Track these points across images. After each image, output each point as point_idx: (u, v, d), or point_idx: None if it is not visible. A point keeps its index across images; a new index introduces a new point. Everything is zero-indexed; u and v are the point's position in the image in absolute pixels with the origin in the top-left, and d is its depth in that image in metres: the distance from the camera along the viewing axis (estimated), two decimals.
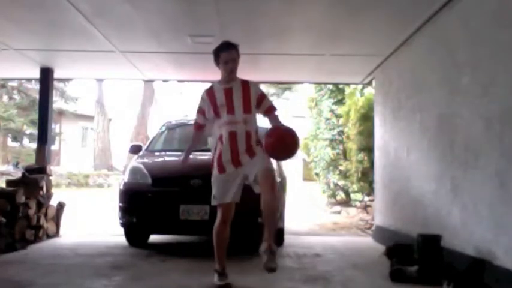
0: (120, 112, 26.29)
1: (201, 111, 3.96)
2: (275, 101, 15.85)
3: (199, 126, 4.03)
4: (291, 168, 13.56)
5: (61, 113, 22.18)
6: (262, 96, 3.93)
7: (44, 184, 6.16)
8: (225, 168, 3.74)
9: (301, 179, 17.32)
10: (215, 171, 3.81)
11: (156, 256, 5.11)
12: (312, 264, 4.81)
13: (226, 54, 3.86)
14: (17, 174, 10.92)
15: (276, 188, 3.71)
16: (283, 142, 3.70)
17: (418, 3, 4.48)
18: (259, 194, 3.62)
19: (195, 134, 4.10)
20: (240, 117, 3.78)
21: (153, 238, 5.99)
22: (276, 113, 3.95)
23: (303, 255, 5.26)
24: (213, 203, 3.84)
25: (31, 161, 12.36)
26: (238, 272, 4.07)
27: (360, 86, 9.50)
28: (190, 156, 5.91)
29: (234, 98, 3.83)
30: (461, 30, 4.21)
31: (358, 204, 10.26)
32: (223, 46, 3.90)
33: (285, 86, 18.76)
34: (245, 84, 3.93)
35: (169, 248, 5.84)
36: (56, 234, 6.42)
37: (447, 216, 4.37)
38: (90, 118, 23.51)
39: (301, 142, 11.83)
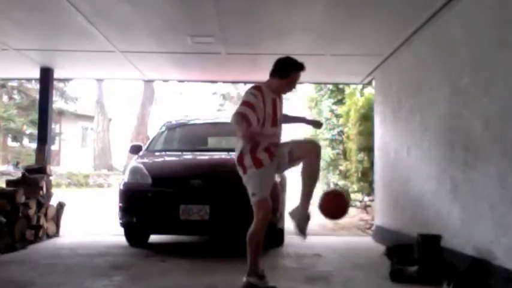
0: (120, 112, 26.30)
1: (252, 106, 3.49)
2: None
3: (247, 117, 3.45)
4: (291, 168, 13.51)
5: (61, 113, 22.18)
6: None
7: (44, 184, 6.16)
8: (263, 163, 3.57)
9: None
10: (252, 168, 3.57)
11: (156, 256, 5.11)
12: (312, 264, 4.81)
13: (298, 75, 3.69)
14: (17, 174, 10.91)
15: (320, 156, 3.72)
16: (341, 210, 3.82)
17: (418, 3, 4.48)
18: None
19: (243, 121, 3.42)
20: (279, 130, 3.76)
21: (153, 238, 5.99)
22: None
23: (303, 255, 5.26)
24: (254, 200, 3.58)
25: (31, 161, 12.39)
26: (238, 272, 4.07)
27: (360, 86, 9.50)
28: (190, 157, 5.98)
29: (278, 110, 3.72)
30: (461, 30, 4.21)
31: (358, 204, 10.26)
32: (300, 66, 3.67)
33: None
34: (281, 97, 3.84)
35: (169, 248, 5.84)
36: (56, 234, 6.42)
37: (447, 216, 4.37)
38: (90, 118, 23.52)
39: None
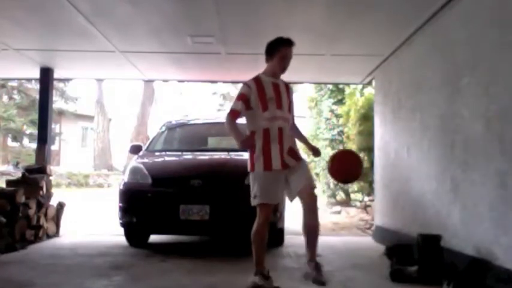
0: (120, 112, 26.30)
1: (243, 98, 3.67)
2: None
3: (237, 114, 3.67)
4: None
5: (61, 113, 22.17)
6: (293, 103, 3.95)
7: (44, 184, 6.16)
8: (272, 166, 3.60)
9: None
10: (259, 167, 3.61)
11: (156, 256, 5.11)
12: None
13: (288, 49, 3.78)
14: (17, 174, 10.91)
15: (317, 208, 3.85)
16: (352, 172, 3.98)
17: (418, 3, 4.48)
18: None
19: (234, 123, 3.66)
20: (286, 114, 3.78)
21: (153, 238, 5.99)
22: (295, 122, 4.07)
23: (303, 255, 5.23)
24: (254, 203, 3.62)
25: (31, 161, 12.37)
26: (238, 272, 4.07)
27: (360, 86, 9.50)
28: (190, 157, 5.98)
29: (282, 94, 3.78)
30: (461, 30, 4.21)
31: (358, 204, 10.26)
32: (286, 40, 3.78)
33: None
34: (287, 85, 3.92)
35: (169, 248, 5.84)
36: (56, 234, 6.42)
37: (447, 216, 4.37)
38: (90, 118, 23.52)
39: None
